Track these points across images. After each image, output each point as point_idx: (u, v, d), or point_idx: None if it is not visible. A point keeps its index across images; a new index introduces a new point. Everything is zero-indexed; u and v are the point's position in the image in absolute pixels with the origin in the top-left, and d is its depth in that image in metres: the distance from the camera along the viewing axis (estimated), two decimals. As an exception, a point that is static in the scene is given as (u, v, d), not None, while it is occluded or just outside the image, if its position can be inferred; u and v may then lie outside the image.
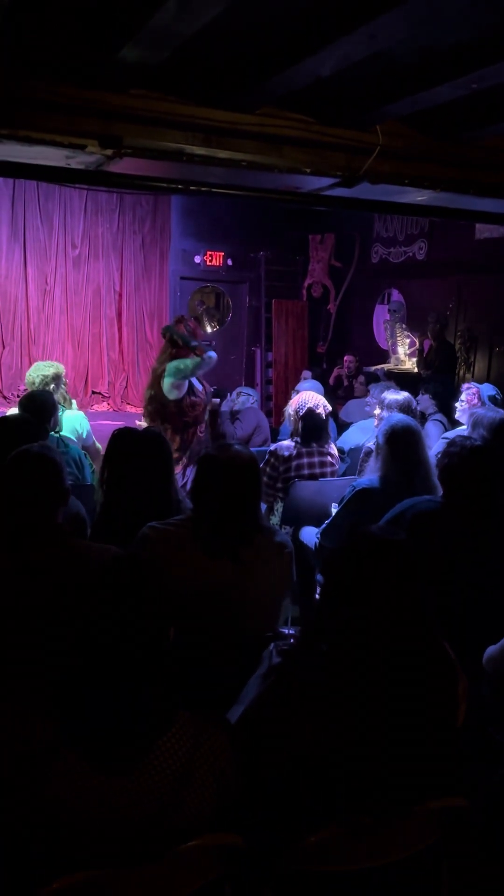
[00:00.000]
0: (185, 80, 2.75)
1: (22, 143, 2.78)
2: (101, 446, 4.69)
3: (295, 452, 4.26)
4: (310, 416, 4.27)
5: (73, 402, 5.03)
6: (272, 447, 4.40)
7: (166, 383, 5.05)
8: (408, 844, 1.61)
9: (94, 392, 9.76)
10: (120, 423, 7.29)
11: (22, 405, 3.98)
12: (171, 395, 5.06)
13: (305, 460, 4.27)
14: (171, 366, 5.05)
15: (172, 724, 1.41)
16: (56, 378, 4.37)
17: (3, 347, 9.25)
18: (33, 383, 4.33)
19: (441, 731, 1.63)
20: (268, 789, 1.56)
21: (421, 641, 1.66)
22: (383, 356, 8.98)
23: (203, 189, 3.33)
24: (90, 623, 1.40)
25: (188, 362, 5.03)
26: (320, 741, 1.55)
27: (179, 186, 3.24)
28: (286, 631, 2.23)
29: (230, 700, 1.91)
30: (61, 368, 4.53)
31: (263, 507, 4.29)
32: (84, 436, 4.52)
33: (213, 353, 5.15)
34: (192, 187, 3.27)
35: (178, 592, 2.19)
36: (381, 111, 2.96)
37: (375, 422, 4.49)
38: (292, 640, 2.08)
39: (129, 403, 9.82)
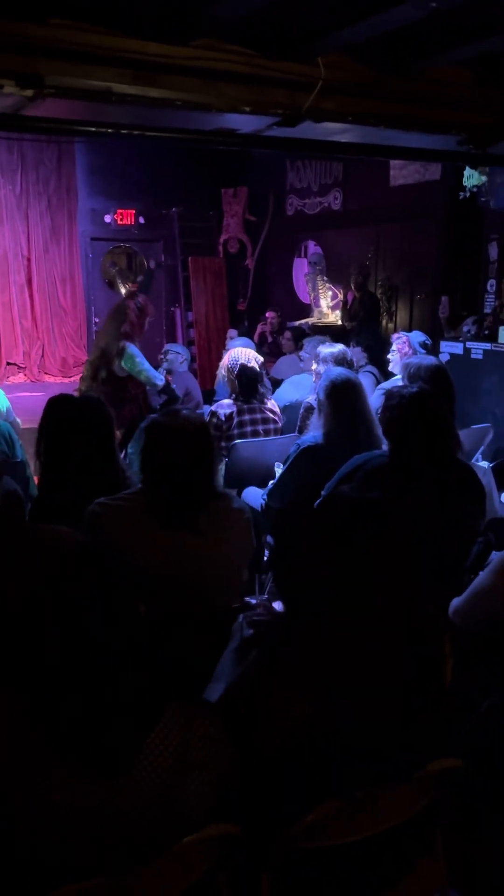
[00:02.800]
0: (111, 8, 2.48)
1: None
2: (20, 420, 4.47)
3: (236, 410, 4.15)
4: (244, 371, 4.16)
5: None
6: (212, 408, 4.28)
7: (124, 365, 4.83)
8: (405, 810, 1.57)
9: (8, 363, 9.35)
10: (40, 395, 6.99)
11: None
12: (121, 372, 4.87)
13: (248, 417, 4.17)
14: (134, 363, 4.83)
15: (161, 717, 1.31)
16: None
17: None
18: None
19: (431, 691, 1.59)
20: (262, 771, 1.48)
21: (403, 601, 1.61)
22: (305, 310, 8.91)
23: (135, 132, 3.08)
24: (55, 619, 1.27)
25: (146, 374, 4.86)
26: (310, 715, 1.48)
27: (109, 130, 2.98)
28: (252, 601, 2.14)
29: (204, 678, 1.81)
30: None
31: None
32: (4, 411, 4.28)
33: (161, 379, 4.98)
34: (122, 131, 3.02)
35: (137, 570, 2.08)
36: (323, 41, 2.78)
37: (313, 377, 4.42)
38: (260, 610, 2.00)
39: (46, 373, 9.46)
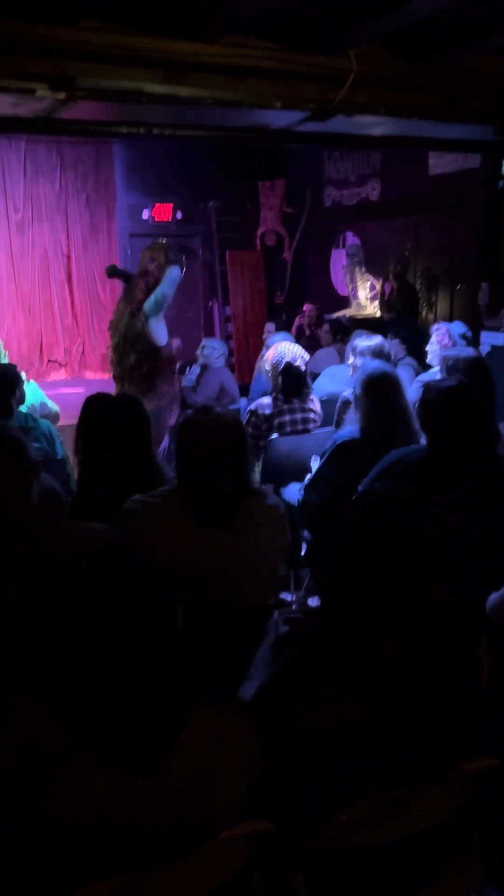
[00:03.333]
0: (139, 9, 2.48)
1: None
2: (58, 408, 4.54)
3: (276, 410, 4.14)
4: (288, 370, 4.13)
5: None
6: (252, 406, 4.27)
7: (152, 325, 4.84)
8: (441, 809, 1.55)
9: (50, 360, 9.47)
10: (80, 391, 7.07)
11: None
12: (163, 338, 4.86)
13: (287, 417, 4.16)
14: (149, 304, 4.85)
15: (193, 716, 1.31)
16: None
17: (-50, 319, 8.90)
18: None
19: (466, 690, 1.57)
20: (295, 769, 1.48)
21: (435, 599, 1.59)
22: (344, 302, 8.84)
23: (166, 132, 3.08)
24: (89, 617, 1.28)
25: (161, 289, 4.86)
26: (343, 715, 1.47)
27: (141, 131, 2.99)
28: (287, 597, 2.13)
29: (239, 676, 1.82)
30: None
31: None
32: (38, 405, 4.36)
33: (176, 269, 4.96)
34: (154, 130, 3.02)
35: (172, 568, 2.10)
36: (354, 33, 2.73)
37: (350, 370, 4.39)
38: (295, 607, 2.00)
39: (87, 369, 9.56)
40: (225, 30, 2.63)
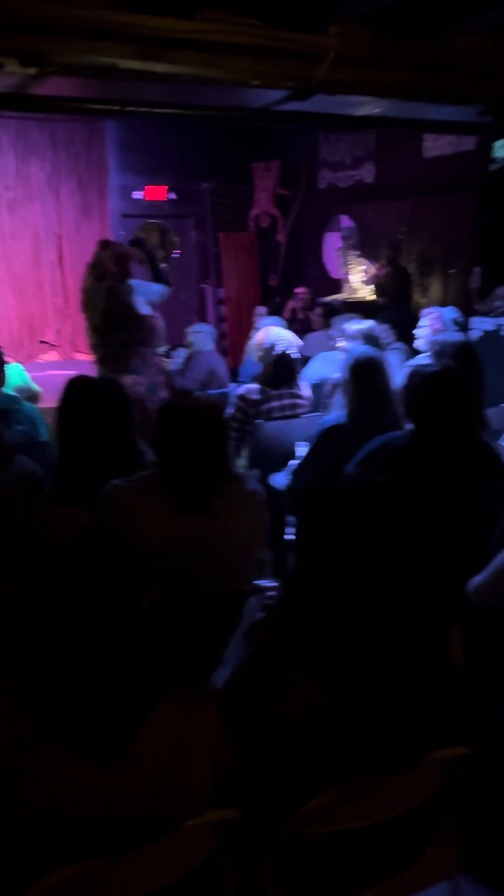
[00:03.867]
0: None
1: None
2: (40, 388, 4.47)
3: (264, 395, 4.11)
4: (282, 359, 4.10)
5: None
6: (239, 391, 4.24)
7: (134, 298, 4.69)
8: (411, 797, 1.55)
9: (41, 341, 9.41)
10: (72, 372, 7.01)
11: None
12: (145, 308, 4.73)
13: (276, 403, 4.13)
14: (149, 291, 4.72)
15: (158, 703, 1.30)
16: None
17: None
18: None
19: (439, 676, 1.56)
20: (264, 755, 1.47)
21: (411, 585, 1.58)
22: (337, 286, 8.79)
23: (142, 109, 3.02)
24: (56, 603, 1.27)
25: (156, 291, 4.75)
26: (314, 701, 1.46)
27: (115, 108, 2.93)
28: (266, 584, 2.12)
29: (213, 662, 1.81)
30: None
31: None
32: (25, 385, 4.33)
33: (163, 288, 4.87)
34: (128, 108, 2.96)
35: (148, 552, 2.08)
36: (336, 9, 2.67)
37: (341, 354, 4.36)
38: (273, 594, 1.99)
39: (78, 351, 9.50)
40: (200, 5, 2.57)
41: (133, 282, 4.74)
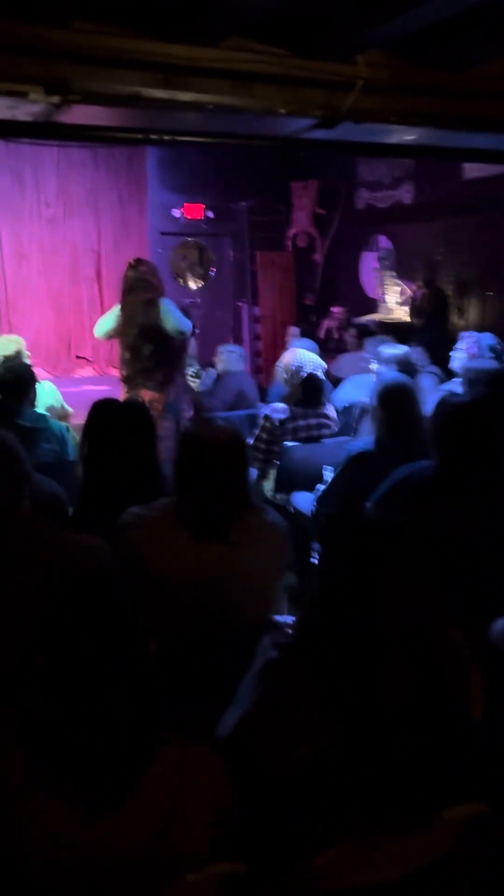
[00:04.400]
0: (136, 10, 2.41)
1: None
2: (71, 409, 4.52)
3: (290, 415, 4.08)
4: (310, 380, 4.08)
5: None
6: (266, 411, 4.22)
7: (165, 322, 4.77)
8: (425, 855, 1.48)
9: (77, 356, 9.50)
10: (106, 389, 7.05)
11: None
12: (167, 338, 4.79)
13: (302, 422, 4.10)
14: (171, 315, 4.77)
15: (159, 751, 1.26)
16: (18, 355, 4.17)
17: (-19, 314, 8.96)
18: None
19: (456, 729, 1.49)
20: (269, 806, 1.41)
21: (428, 632, 1.52)
22: (373, 306, 8.72)
23: (165, 138, 3.01)
24: (59, 643, 1.23)
25: (174, 321, 4.79)
26: (324, 750, 1.41)
27: (139, 136, 2.92)
28: (282, 620, 2.07)
29: (224, 701, 1.76)
30: (21, 342, 4.31)
31: (255, 473, 4.13)
32: (59, 406, 4.36)
33: (188, 323, 4.93)
34: (152, 136, 2.95)
35: (163, 582, 2.05)
36: (362, 37, 2.63)
37: (374, 378, 4.31)
38: (289, 632, 1.93)
39: (114, 367, 9.55)
40: (226, 33, 2.55)
41: (168, 303, 4.80)
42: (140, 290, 4.76)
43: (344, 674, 1.44)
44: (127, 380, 4.87)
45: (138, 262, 4.97)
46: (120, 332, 4.86)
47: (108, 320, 4.98)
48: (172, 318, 4.76)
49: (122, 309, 4.82)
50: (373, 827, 1.40)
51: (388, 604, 1.47)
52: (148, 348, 4.74)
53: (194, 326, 5.17)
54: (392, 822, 1.42)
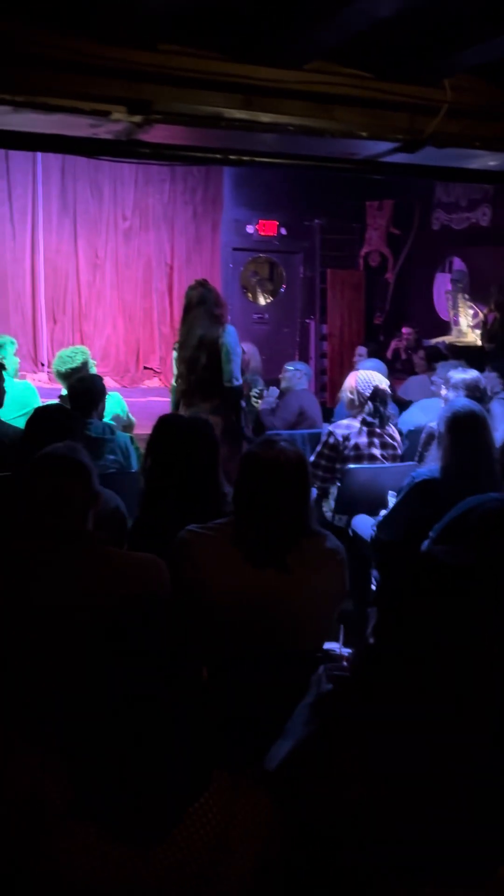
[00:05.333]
0: (219, 32, 2.43)
1: (40, 111, 2.51)
2: (135, 420, 4.56)
3: (356, 431, 4.03)
4: (377, 394, 4.02)
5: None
6: (330, 428, 4.17)
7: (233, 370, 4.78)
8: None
9: (145, 367, 9.64)
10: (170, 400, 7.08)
11: (71, 389, 3.84)
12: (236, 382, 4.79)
13: (366, 440, 4.03)
14: (230, 348, 4.76)
15: (207, 786, 1.22)
16: (85, 365, 4.22)
17: (55, 323, 9.17)
18: (65, 376, 4.17)
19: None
20: (315, 851, 1.36)
21: (488, 682, 1.44)
22: (444, 328, 8.58)
23: (244, 158, 3.01)
24: (107, 669, 1.21)
25: (231, 366, 4.78)
26: (378, 795, 1.35)
27: (218, 156, 2.94)
28: (338, 650, 2.01)
29: (274, 732, 1.71)
30: (88, 352, 4.37)
31: (314, 492, 4.07)
32: (124, 416, 4.40)
33: (238, 381, 4.86)
34: (231, 156, 2.96)
35: (216, 604, 2.02)
36: (450, 61, 2.59)
37: (442, 403, 4.22)
38: (345, 664, 1.88)
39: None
40: (309, 56, 2.54)
41: (232, 334, 4.83)
42: (205, 304, 4.80)
43: (402, 717, 1.38)
44: (184, 394, 4.90)
45: (204, 281, 5.03)
46: (176, 348, 4.93)
47: None
48: (233, 356, 4.74)
49: (182, 326, 4.88)
50: (425, 880, 1.34)
51: (452, 647, 1.40)
52: (204, 358, 4.74)
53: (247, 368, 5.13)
54: (448, 876, 1.34)
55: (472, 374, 4.30)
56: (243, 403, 4.96)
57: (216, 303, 4.84)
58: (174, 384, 5.02)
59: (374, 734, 1.39)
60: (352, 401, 4.10)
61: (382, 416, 4.08)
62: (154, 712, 1.18)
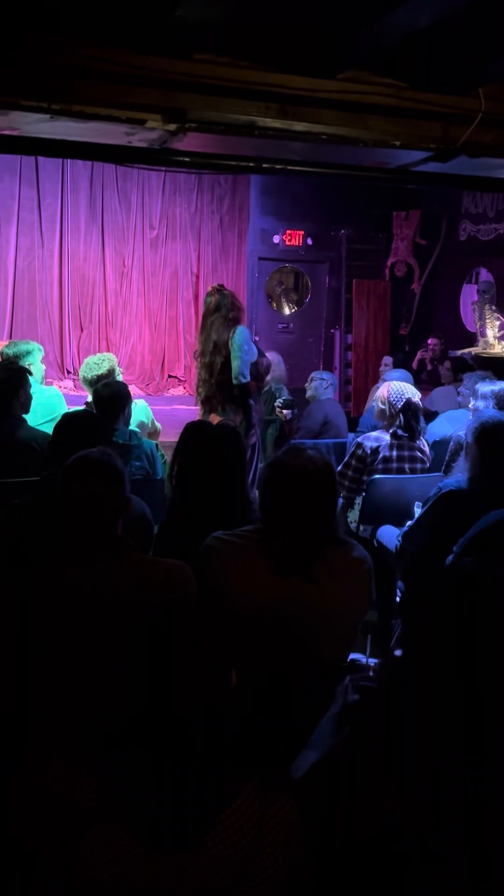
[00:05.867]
0: (254, 42, 2.45)
1: (76, 120, 2.55)
2: (160, 427, 4.60)
3: (385, 444, 4.00)
4: (409, 407, 3.99)
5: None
6: (359, 439, 4.14)
7: (240, 366, 4.84)
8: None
9: (170, 376, 9.68)
10: (196, 409, 7.15)
11: (96, 395, 3.86)
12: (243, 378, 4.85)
13: (395, 453, 4.00)
14: (237, 346, 4.83)
15: (237, 793, 1.21)
16: (112, 372, 4.25)
17: (82, 331, 9.25)
18: (92, 382, 4.20)
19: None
20: (342, 862, 1.35)
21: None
22: (470, 339, 8.53)
23: (277, 167, 3.02)
24: (139, 672, 1.22)
25: (238, 363, 4.81)
26: (406, 809, 1.33)
27: (251, 164, 2.95)
28: (363, 660, 2.00)
29: (299, 743, 1.70)
30: (114, 359, 4.40)
31: (340, 502, 4.06)
32: (149, 423, 4.42)
33: (246, 378, 4.90)
34: (264, 165, 2.97)
35: (241, 612, 2.02)
36: (484, 71, 2.59)
37: (471, 414, 4.19)
38: (371, 674, 1.86)
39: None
40: (344, 65, 2.55)
41: (244, 333, 4.90)
42: (220, 310, 4.89)
43: (429, 728, 1.36)
44: (206, 401, 4.98)
45: (220, 287, 5.14)
46: (198, 357, 5.00)
47: None
48: (239, 353, 4.79)
49: (201, 333, 4.97)
50: (459, 889, 1.32)
51: (480, 657, 1.39)
52: (220, 361, 4.82)
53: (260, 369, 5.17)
54: (480, 886, 1.32)
55: (500, 385, 4.27)
56: (251, 402, 5.00)
57: (231, 306, 4.94)
58: (198, 390, 5.08)
59: (401, 745, 1.37)
60: (382, 411, 4.07)
61: (413, 430, 4.04)
62: (184, 715, 1.18)
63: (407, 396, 4.00)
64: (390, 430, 4.03)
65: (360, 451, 4.03)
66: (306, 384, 5.71)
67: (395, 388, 4.08)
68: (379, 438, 4.02)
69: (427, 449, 4.16)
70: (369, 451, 4.01)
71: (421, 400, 6.19)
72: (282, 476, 2.07)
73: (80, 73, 2.45)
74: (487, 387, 4.22)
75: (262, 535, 2.09)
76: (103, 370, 4.23)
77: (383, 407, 4.08)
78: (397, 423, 4.01)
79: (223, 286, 5.21)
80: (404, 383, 4.20)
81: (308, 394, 5.51)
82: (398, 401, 4.00)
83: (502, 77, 2.72)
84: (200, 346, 4.96)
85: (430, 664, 1.42)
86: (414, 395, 4.05)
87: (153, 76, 2.40)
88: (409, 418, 4.00)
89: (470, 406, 4.28)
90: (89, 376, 4.23)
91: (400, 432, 4.01)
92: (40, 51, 2.45)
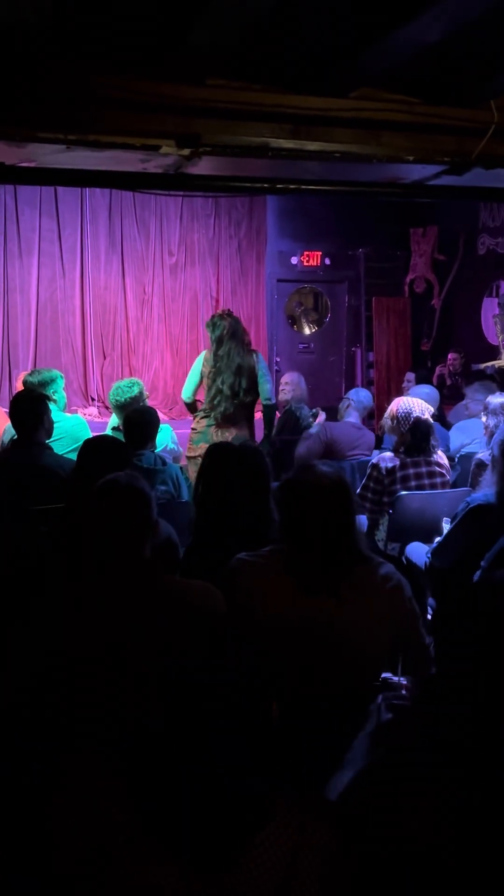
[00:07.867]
0: (265, 64, 2.47)
1: (91, 149, 2.59)
2: (181, 450, 4.70)
3: (399, 464, 3.97)
4: (417, 425, 3.95)
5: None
6: (374, 460, 4.12)
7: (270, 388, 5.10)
8: None
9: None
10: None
11: (126, 420, 3.89)
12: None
13: (412, 471, 3.97)
14: (264, 371, 5.11)
15: (273, 814, 1.19)
16: (141, 395, 4.31)
17: (105, 358, 9.34)
18: (122, 406, 4.24)
19: None
20: (380, 883, 1.32)
21: None
22: (493, 352, 8.48)
23: (291, 187, 3.04)
24: (175, 699, 1.20)
25: (267, 387, 5.16)
26: (441, 831, 1.30)
27: (265, 185, 2.97)
28: (396, 679, 1.96)
29: (333, 764, 1.67)
30: (141, 384, 4.46)
31: (366, 523, 4.02)
32: (173, 446, 4.45)
33: (272, 399, 5.31)
34: (278, 185, 2.99)
35: (270, 633, 2.00)
36: (496, 83, 2.59)
37: (483, 430, 4.15)
38: (404, 692, 1.83)
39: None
40: (355, 84, 2.56)
41: (262, 360, 5.21)
42: (237, 335, 5.09)
43: (464, 746, 1.33)
44: (224, 418, 5.13)
45: (230, 312, 5.37)
46: (211, 375, 5.09)
47: (194, 377, 5.35)
48: (267, 377, 5.17)
49: (217, 353, 5.09)
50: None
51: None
52: (244, 383, 5.01)
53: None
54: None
55: None
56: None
57: (244, 332, 5.21)
58: (206, 408, 5.23)
59: (436, 764, 1.34)
60: (392, 427, 4.06)
61: (422, 449, 4.00)
62: (221, 737, 1.16)
63: (415, 415, 3.96)
64: (401, 450, 4.00)
65: (375, 473, 4.00)
66: (340, 405, 5.65)
67: (404, 406, 4.04)
68: (392, 459, 3.99)
69: (444, 461, 4.11)
70: (385, 472, 3.97)
71: (445, 413, 6.15)
72: (296, 493, 2.06)
73: (95, 103, 2.50)
74: (497, 399, 4.19)
75: (285, 555, 2.07)
76: (134, 393, 4.28)
77: (391, 423, 4.07)
78: (408, 443, 3.98)
79: (231, 311, 5.44)
80: (414, 399, 4.17)
81: (339, 414, 5.49)
82: (405, 418, 3.97)
83: (514, 88, 2.73)
84: (218, 366, 5.09)
85: (464, 680, 1.39)
86: (423, 411, 4.00)
87: (167, 103, 2.43)
88: (418, 439, 3.97)
89: (483, 421, 4.25)
90: (121, 399, 4.28)
91: (406, 450, 3.98)
92: (55, 83, 2.50)
